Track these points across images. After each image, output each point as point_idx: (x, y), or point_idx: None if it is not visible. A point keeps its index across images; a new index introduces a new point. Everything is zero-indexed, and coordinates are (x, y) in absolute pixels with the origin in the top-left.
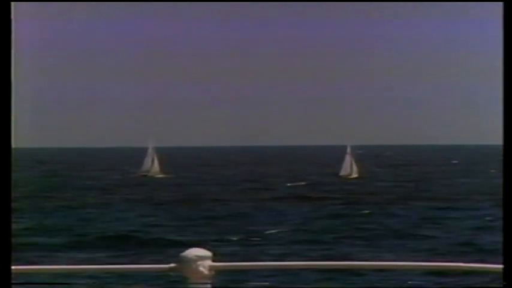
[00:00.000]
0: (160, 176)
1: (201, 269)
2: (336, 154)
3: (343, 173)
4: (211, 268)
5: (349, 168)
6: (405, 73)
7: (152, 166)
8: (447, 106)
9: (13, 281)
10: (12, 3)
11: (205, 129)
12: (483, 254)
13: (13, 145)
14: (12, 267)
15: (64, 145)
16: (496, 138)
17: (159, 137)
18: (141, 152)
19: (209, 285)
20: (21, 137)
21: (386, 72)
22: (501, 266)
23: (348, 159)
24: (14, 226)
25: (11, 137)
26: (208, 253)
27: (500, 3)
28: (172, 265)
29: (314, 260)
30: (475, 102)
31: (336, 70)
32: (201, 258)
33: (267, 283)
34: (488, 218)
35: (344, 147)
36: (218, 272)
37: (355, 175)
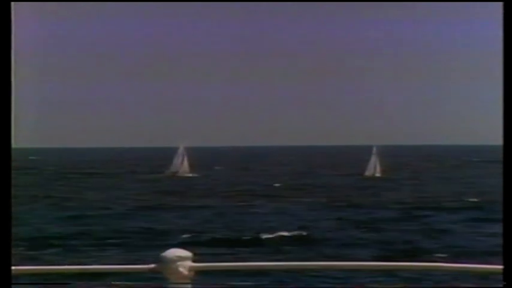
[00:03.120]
0: (189, 175)
1: (181, 269)
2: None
3: (368, 173)
4: (191, 269)
5: (373, 168)
6: (405, 74)
7: (182, 165)
8: (447, 106)
9: (13, 281)
10: (12, 3)
11: (204, 130)
12: None
13: (13, 145)
14: (12, 267)
15: (64, 145)
16: (496, 139)
17: (158, 136)
18: (141, 152)
19: (189, 286)
20: (21, 137)
21: (385, 73)
22: (501, 266)
23: (373, 159)
24: None
25: (11, 137)
26: (188, 254)
27: (500, 3)
28: (152, 265)
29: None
30: (474, 102)
31: (336, 70)
32: (181, 258)
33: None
34: None
35: (345, 147)
36: (198, 273)
37: (378, 174)
